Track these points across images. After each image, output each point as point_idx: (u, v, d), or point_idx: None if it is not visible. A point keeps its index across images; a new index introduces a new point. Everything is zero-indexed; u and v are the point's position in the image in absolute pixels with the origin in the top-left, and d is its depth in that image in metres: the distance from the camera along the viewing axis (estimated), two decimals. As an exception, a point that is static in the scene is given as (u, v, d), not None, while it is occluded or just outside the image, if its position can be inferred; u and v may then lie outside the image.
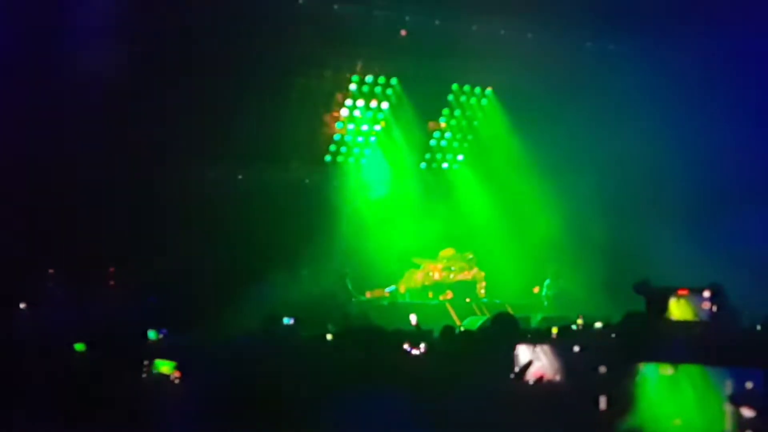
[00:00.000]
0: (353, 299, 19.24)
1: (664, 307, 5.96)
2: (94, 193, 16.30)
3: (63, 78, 15.73)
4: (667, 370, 2.87)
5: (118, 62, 16.11)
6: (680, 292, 6.03)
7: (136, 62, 16.38)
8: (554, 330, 9.91)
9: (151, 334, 10.56)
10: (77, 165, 16.07)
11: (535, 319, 17.18)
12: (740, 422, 3.08)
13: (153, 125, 16.78)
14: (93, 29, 15.63)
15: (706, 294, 5.97)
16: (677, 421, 2.93)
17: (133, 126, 16.64)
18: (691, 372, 2.86)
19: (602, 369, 3.93)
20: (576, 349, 4.93)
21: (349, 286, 19.30)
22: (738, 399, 2.86)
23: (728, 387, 2.81)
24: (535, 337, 8.83)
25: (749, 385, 2.78)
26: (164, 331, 10.77)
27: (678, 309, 5.95)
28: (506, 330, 7.26)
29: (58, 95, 15.63)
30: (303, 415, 6.19)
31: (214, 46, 17.19)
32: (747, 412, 2.82)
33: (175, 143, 17.28)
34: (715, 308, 5.88)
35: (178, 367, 9.00)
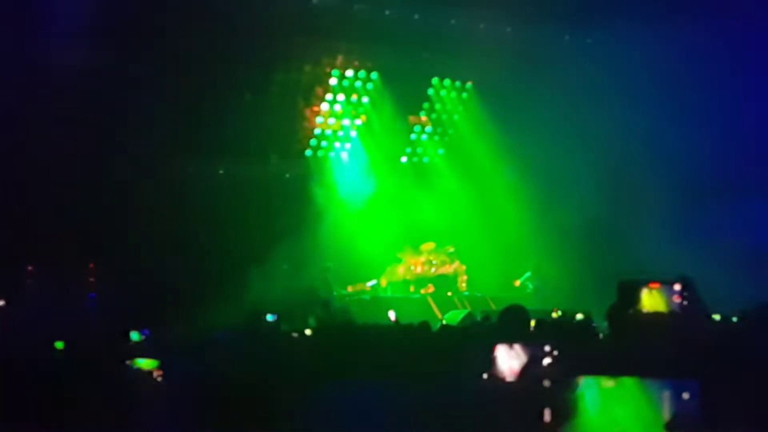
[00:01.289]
0: (335, 293, 19.25)
1: (636, 299, 6.06)
2: (74, 188, 16.24)
3: (41, 75, 15.65)
4: (607, 382, 2.92)
5: (97, 59, 16.07)
6: (652, 285, 6.12)
7: (115, 58, 16.32)
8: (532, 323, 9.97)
9: (134, 336, 10.54)
10: (56, 161, 16.01)
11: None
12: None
13: (133, 121, 16.72)
14: (74, 26, 15.57)
15: (677, 287, 6.05)
16: None
17: (113, 122, 16.58)
18: (630, 384, 2.91)
19: (546, 383, 3.98)
20: (547, 348, 4.99)
21: (331, 281, 19.31)
22: (676, 416, 2.93)
23: (665, 398, 2.87)
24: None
25: (686, 395, 2.85)
26: (146, 331, 10.76)
27: (650, 300, 6.04)
28: (518, 323, 7.25)
29: (37, 91, 15.55)
30: (283, 409, 6.22)
31: (194, 41, 17.13)
32: (683, 422, 2.89)
33: (155, 139, 17.22)
34: (685, 301, 5.97)
35: (159, 365, 9.00)
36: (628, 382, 2.93)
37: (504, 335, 6.10)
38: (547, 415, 3.38)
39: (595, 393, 2.91)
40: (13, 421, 7.39)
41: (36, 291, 16.05)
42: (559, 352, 4.93)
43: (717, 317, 7.44)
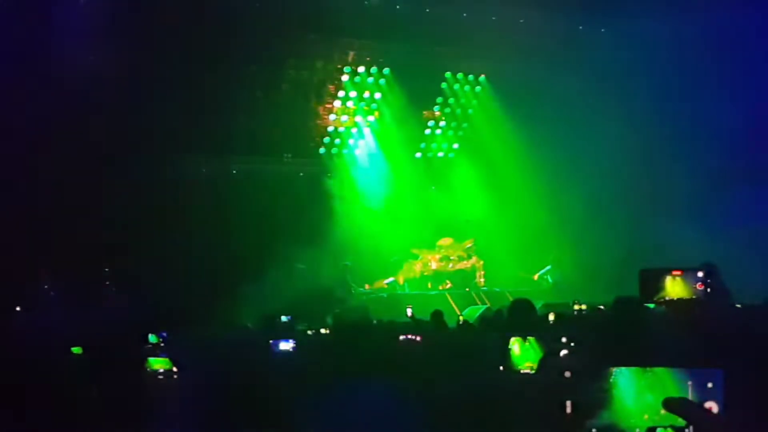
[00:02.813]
0: (352, 291, 19.17)
1: (660, 287, 5.94)
2: (87, 191, 16.21)
3: (53, 75, 15.63)
4: (633, 372, 2.91)
5: (110, 57, 16.01)
6: (674, 272, 6.01)
7: (127, 57, 16.26)
8: (551, 316, 9.86)
9: (152, 338, 10.48)
10: (70, 165, 15.97)
11: (536, 306, 17.02)
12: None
13: (147, 122, 16.69)
14: (85, 24, 15.53)
15: (700, 274, 5.94)
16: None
17: (127, 123, 16.55)
18: (658, 372, 2.85)
19: (567, 374, 3.90)
20: (563, 340, 4.92)
21: (349, 279, 19.24)
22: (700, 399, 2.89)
23: (690, 388, 2.81)
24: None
25: (710, 385, 2.79)
26: (164, 334, 10.71)
27: (674, 288, 5.93)
28: (524, 317, 7.15)
29: (50, 93, 15.51)
30: (294, 409, 6.11)
31: (206, 39, 17.07)
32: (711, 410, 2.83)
33: (169, 139, 17.20)
34: (708, 288, 5.87)
35: (174, 364, 8.94)
36: (656, 370, 2.86)
37: (513, 328, 6.02)
38: (569, 408, 3.28)
39: (619, 383, 2.84)
40: (31, 427, 7.32)
41: (51, 296, 16.03)
42: (578, 344, 4.87)
43: (737, 306, 7.32)
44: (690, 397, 2.98)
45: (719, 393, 2.97)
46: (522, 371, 5.24)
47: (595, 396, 3.04)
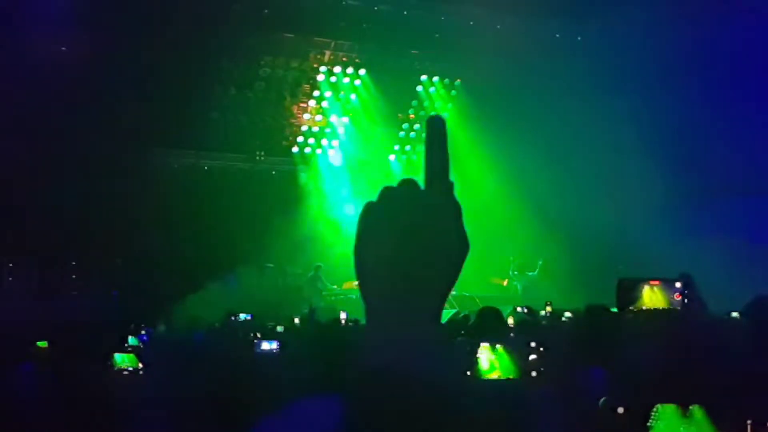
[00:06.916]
0: (322, 292, 19.08)
1: (637, 296, 5.95)
2: (56, 184, 15.99)
3: (21, 65, 15.42)
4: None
5: (80, 49, 15.83)
6: (652, 282, 6.02)
7: (99, 49, 16.08)
8: (510, 320, 9.80)
9: (132, 341, 10.37)
10: (37, 156, 15.76)
11: (505, 311, 17.02)
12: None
13: (118, 115, 16.50)
14: (56, 15, 15.34)
15: (678, 284, 5.95)
16: None
17: (97, 116, 16.35)
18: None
19: (533, 374, 3.90)
20: (532, 345, 4.91)
21: (323, 278, 19.14)
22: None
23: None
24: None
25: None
26: (144, 337, 10.59)
27: (651, 297, 5.94)
28: (492, 324, 7.13)
29: (17, 84, 15.30)
30: (261, 414, 6.04)
31: (181, 33, 16.93)
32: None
33: (140, 133, 17.02)
34: (686, 299, 5.88)
35: (140, 360, 8.84)
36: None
37: (483, 334, 5.99)
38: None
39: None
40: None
41: (17, 288, 15.81)
42: (546, 349, 4.84)
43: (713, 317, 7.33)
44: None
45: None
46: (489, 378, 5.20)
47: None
